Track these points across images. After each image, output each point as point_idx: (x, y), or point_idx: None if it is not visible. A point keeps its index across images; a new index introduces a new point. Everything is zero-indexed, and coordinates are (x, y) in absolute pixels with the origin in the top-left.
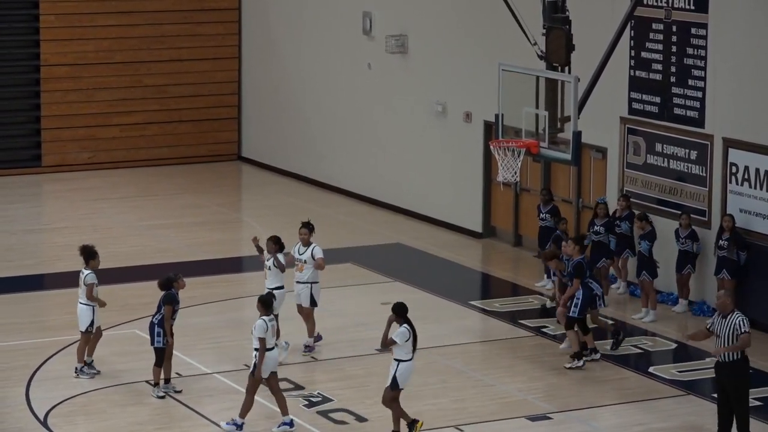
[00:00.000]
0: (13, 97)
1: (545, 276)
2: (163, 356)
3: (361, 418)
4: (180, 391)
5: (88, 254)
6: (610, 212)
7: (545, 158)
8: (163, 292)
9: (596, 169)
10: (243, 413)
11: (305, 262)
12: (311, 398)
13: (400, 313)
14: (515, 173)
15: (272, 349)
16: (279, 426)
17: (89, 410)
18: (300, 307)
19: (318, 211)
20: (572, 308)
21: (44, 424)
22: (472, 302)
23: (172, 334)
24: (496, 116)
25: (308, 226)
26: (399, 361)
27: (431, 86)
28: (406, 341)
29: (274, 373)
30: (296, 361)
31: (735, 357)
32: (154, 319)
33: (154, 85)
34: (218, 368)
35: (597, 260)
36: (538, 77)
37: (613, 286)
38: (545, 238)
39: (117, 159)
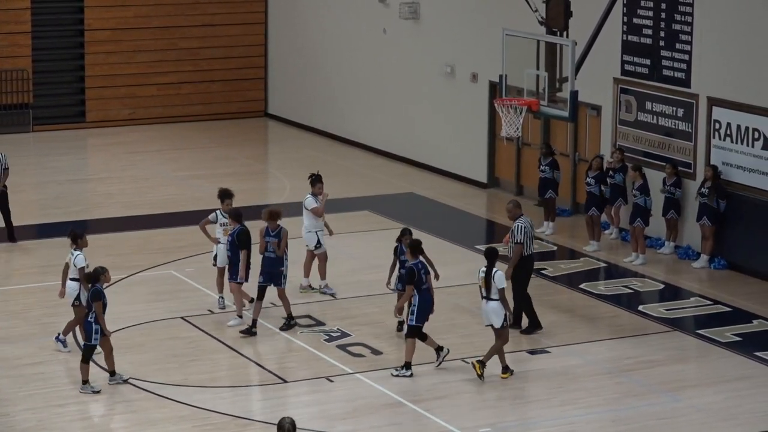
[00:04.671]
0: (60, 59)
1: (545, 222)
2: (91, 353)
3: (376, 352)
4: (99, 391)
5: (224, 195)
6: (605, 167)
7: (545, 115)
8: (91, 289)
9: (591, 125)
10: (66, 331)
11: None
12: (331, 333)
13: None
14: (517, 129)
15: None
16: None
17: (129, 344)
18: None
19: (337, 163)
20: (410, 316)
21: None
22: (477, 246)
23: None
24: (500, 77)
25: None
26: None
27: (441, 49)
28: None
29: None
30: (316, 300)
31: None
32: (89, 318)
33: (188, 48)
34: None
35: (588, 209)
36: (538, 41)
37: (605, 232)
38: (544, 188)
39: (154, 115)
